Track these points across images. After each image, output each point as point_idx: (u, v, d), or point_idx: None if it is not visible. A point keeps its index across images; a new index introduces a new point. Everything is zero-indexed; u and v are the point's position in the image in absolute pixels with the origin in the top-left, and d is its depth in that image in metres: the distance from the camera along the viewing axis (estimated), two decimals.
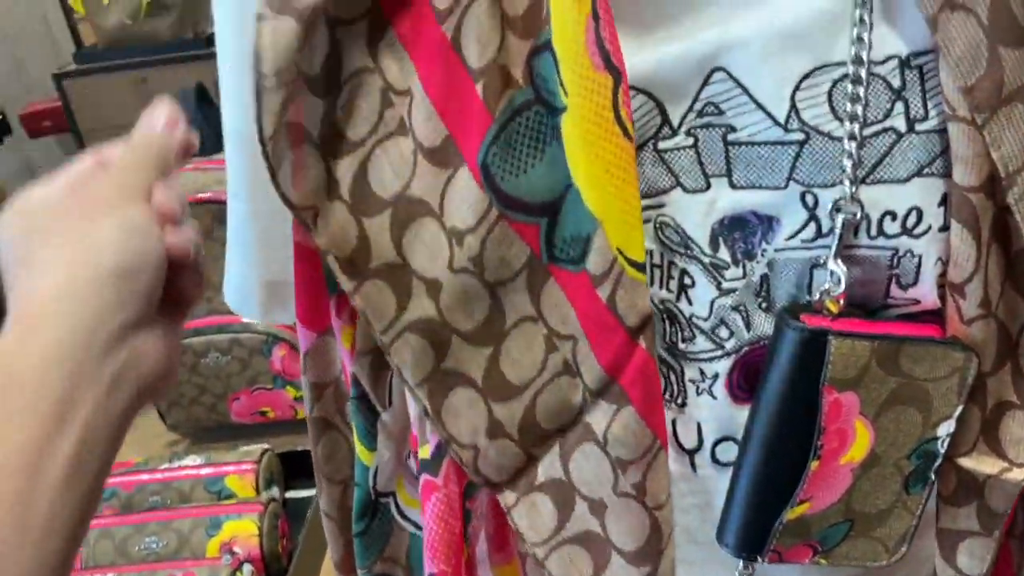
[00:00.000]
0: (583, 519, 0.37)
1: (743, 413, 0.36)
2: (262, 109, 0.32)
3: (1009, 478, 0.35)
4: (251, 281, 0.48)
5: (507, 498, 0.38)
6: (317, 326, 0.42)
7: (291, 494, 0.95)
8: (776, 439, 0.34)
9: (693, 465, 0.38)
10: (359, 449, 0.42)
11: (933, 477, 0.36)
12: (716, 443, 0.37)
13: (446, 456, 0.38)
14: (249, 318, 0.51)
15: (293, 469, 0.97)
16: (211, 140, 1.08)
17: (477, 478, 0.37)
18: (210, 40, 3.32)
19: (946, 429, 0.35)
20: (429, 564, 0.39)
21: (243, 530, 0.83)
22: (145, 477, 0.90)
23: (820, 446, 0.34)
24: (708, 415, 0.37)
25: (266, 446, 0.93)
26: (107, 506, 0.88)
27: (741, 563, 0.37)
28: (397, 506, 0.44)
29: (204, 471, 0.90)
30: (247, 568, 0.79)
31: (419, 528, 0.45)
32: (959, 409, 0.34)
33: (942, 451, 0.35)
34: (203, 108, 1.06)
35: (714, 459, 0.38)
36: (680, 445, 0.38)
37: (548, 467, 0.37)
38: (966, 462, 0.36)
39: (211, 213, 0.99)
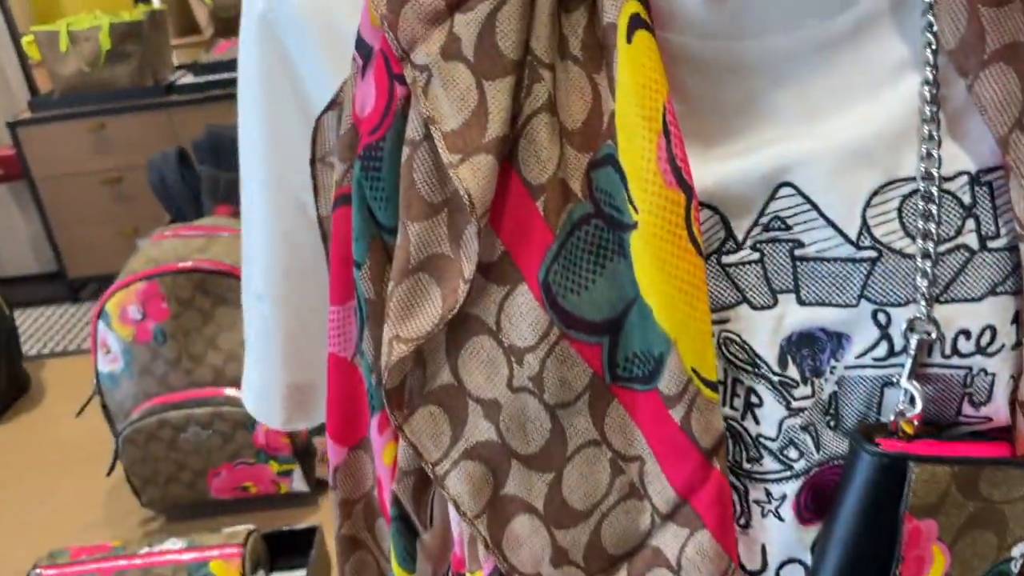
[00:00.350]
0: None
1: (810, 535, 0.35)
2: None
3: None
4: (275, 386, 0.45)
5: None
6: (349, 441, 0.40)
7: (277, 574, 0.91)
8: (852, 566, 0.33)
9: None
10: (395, 569, 0.40)
11: None
12: (781, 565, 0.36)
13: None
14: (271, 425, 0.48)
15: (278, 549, 0.93)
16: (191, 206, 1.05)
17: None
18: (170, 87, 3.27)
19: (1020, 550, 0.34)
20: None
21: None
22: (124, 563, 0.86)
23: (897, 573, 0.33)
24: (774, 537, 0.36)
25: (251, 527, 0.89)
26: None
27: None
28: None
29: (187, 556, 0.86)
30: None
31: None
32: None
33: (1015, 571, 0.34)
34: (183, 172, 1.03)
35: None
36: (743, 567, 0.36)
37: None
38: None
39: (192, 282, 0.96)
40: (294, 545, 0.93)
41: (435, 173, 0.32)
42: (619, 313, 0.32)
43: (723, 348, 0.34)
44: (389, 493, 0.38)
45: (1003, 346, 0.32)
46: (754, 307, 0.33)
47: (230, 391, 0.97)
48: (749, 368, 0.34)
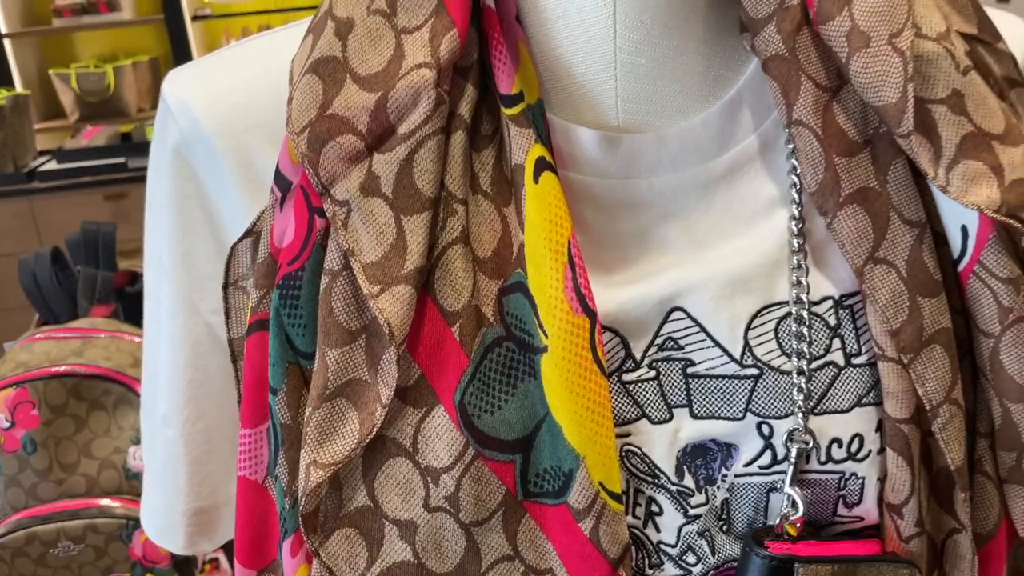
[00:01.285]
0: None
1: None
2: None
3: None
4: (178, 512, 0.44)
5: None
6: (259, 564, 0.40)
7: None
8: None
9: None
10: None
11: None
12: None
13: None
14: (173, 551, 0.47)
15: None
16: (66, 307, 1.02)
17: None
18: (32, 174, 3.15)
19: None
20: None
21: None
22: None
23: None
24: None
25: None
26: None
27: None
28: None
29: None
30: None
31: None
32: None
33: None
34: (57, 273, 1.00)
35: None
36: None
37: None
38: None
39: (66, 387, 0.92)
40: None
41: (353, 302, 0.34)
42: (530, 431, 0.34)
43: (625, 460, 0.36)
44: None
45: (870, 452, 0.36)
46: (652, 422, 0.36)
47: (104, 501, 0.92)
48: (649, 479, 0.36)
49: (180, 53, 3.82)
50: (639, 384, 0.36)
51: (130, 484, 0.94)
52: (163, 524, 0.45)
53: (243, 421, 0.37)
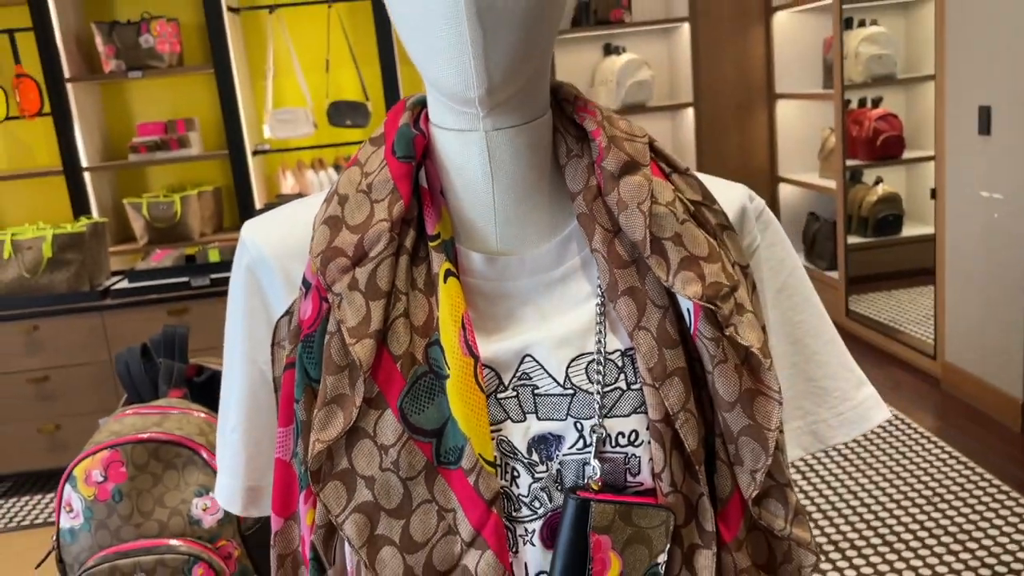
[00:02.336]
0: None
1: (549, 555, 0.61)
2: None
3: None
4: (237, 488, 0.71)
5: None
6: (285, 513, 0.66)
7: None
8: (567, 566, 0.59)
9: None
10: None
11: None
12: (537, 575, 0.62)
13: None
14: (234, 512, 0.73)
15: None
16: (150, 390, 1.30)
17: None
18: (105, 292, 3.49)
19: (662, 559, 0.61)
20: None
21: None
22: None
23: (590, 570, 0.59)
24: (532, 558, 0.62)
25: None
26: None
27: None
28: None
29: None
30: None
31: None
32: (667, 547, 0.60)
33: (662, 573, 0.61)
34: (145, 364, 1.29)
35: None
36: None
37: None
38: None
39: (148, 450, 1.19)
40: None
41: (342, 350, 0.60)
42: (441, 425, 0.60)
43: (498, 444, 0.62)
44: (308, 543, 0.63)
45: (642, 441, 0.61)
46: (514, 422, 0.62)
47: (172, 541, 1.17)
48: (512, 456, 0.62)
49: (241, 183, 4.23)
50: (506, 400, 0.62)
51: (192, 528, 1.19)
52: (228, 496, 0.72)
53: (280, 422, 0.64)
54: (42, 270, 3.46)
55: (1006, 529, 2.69)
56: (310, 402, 0.61)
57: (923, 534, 2.70)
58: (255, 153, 4.30)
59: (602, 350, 0.62)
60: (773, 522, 0.62)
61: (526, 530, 0.62)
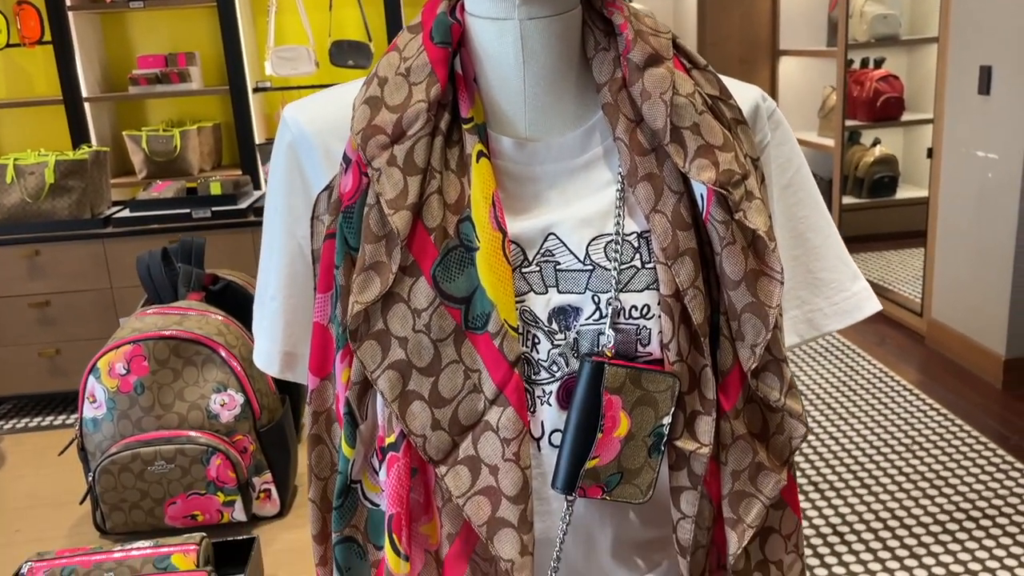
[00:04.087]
0: (486, 479, 0.66)
1: (564, 416, 0.67)
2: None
3: (702, 453, 0.67)
4: (275, 352, 0.76)
5: (441, 470, 0.66)
6: (321, 374, 0.71)
7: None
8: (580, 423, 0.65)
9: (539, 448, 0.68)
10: (344, 447, 0.69)
11: (663, 449, 0.67)
12: (552, 433, 0.68)
13: (404, 440, 0.66)
14: (272, 373, 0.78)
15: (220, 559, 1.18)
16: (170, 293, 1.35)
17: (425, 456, 0.66)
18: (106, 220, 3.52)
19: (667, 420, 0.66)
20: (389, 507, 0.66)
21: None
22: (101, 557, 1.09)
23: (602, 425, 0.65)
24: (547, 416, 0.68)
25: (203, 534, 1.14)
26: None
27: (564, 500, 0.67)
28: (362, 491, 0.71)
29: (152, 551, 1.10)
30: None
31: (375, 506, 0.72)
32: (672, 410, 0.66)
33: (666, 433, 0.67)
34: (165, 268, 1.33)
35: (551, 443, 0.68)
36: (532, 436, 0.68)
37: (466, 448, 0.66)
38: (679, 443, 0.67)
39: (169, 347, 1.24)
40: (234, 557, 1.18)
41: (380, 220, 0.65)
42: (470, 293, 0.66)
43: (521, 314, 0.67)
44: (343, 400, 0.69)
45: (654, 315, 0.66)
46: (537, 294, 0.67)
47: (192, 433, 1.23)
48: (534, 324, 0.67)
49: (241, 120, 4.23)
50: (530, 274, 0.67)
51: (210, 422, 1.24)
52: (266, 359, 0.77)
53: (319, 288, 0.69)
54: (44, 196, 3.48)
55: (982, 477, 2.79)
56: (349, 269, 0.66)
57: (900, 479, 2.80)
58: (256, 90, 4.29)
59: (620, 231, 0.67)
60: (769, 394, 0.67)
61: (544, 391, 0.67)
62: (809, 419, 3.22)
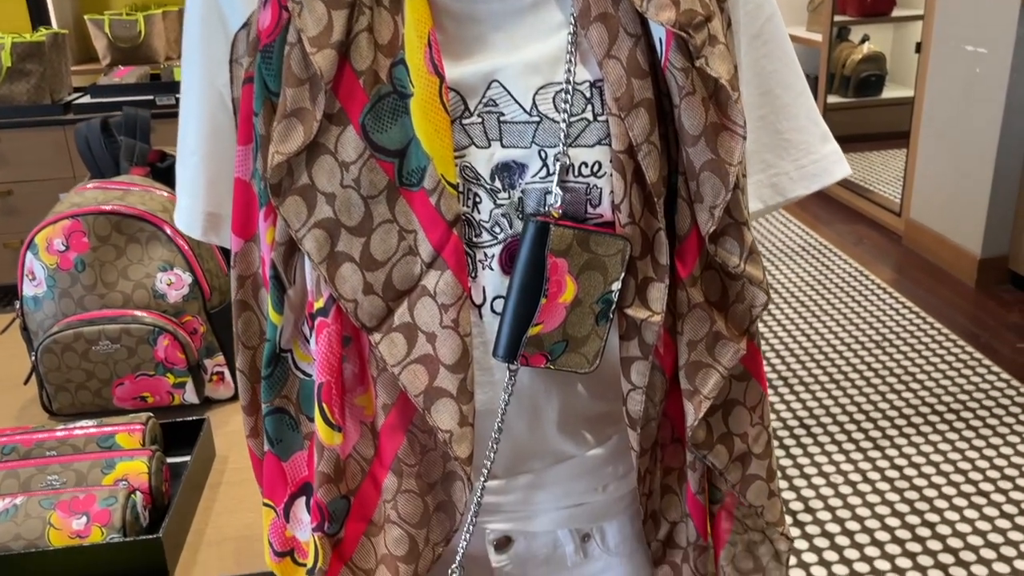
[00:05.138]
0: (423, 346, 0.61)
1: (506, 281, 0.62)
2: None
3: (653, 321, 0.63)
4: (197, 211, 0.71)
5: (375, 337, 0.62)
6: (246, 235, 0.66)
7: (169, 459, 1.12)
8: (523, 287, 0.61)
9: (480, 315, 0.64)
10: (271, 314, 0.65)
11: (612, 317, 0.63)
12: (494, 299, 0.63)
13: (334, 305, 0.61)
14: (194, 236, 0.73)
15: (170, 441, 1.15)
16: (112, 167, 1.28)
17: (356, 323, 0.61)
18: (67, 107, 3.39)
19: (616, 287, 0.62)
20: (318, 376, 0.62)
21: (134, 469, 1.00)
22: (43, 435, 1.06)
23: (546, 290, 0.61)
24: (489, 281, 0.63)
25: (150, 414, 1.11)
26: (7, 460, 1.03)
27: (507, 369, 0.63)
28: (293, 360, 0.67)
29: (95, 430, 1.07)
30: (139, 496, 0.97)
31: (307, 376, 0.67)
32: (622, 275, 0.62)
33: (615, 300, 0.62)
34: (106, 140, 1.26)
35: (492, 310, 0.64)
36: (473, 303, 0.64)
37: (401, 315, 0.62)
38: (630, 311, 0.63)
39: (111, 222, 1.18)
40: (183, 437, 1.15)
41: (302, 61, 0.59)
42: (404, 146, 0.60)
43: (461, 170, 0.62)
44: (268, 263, 0.63)
45: (605, 173, 0.61)
46: (478, 147, 0.61)
47: (137, 312, 1.19)
48: (475, 181, 0.62)
49: None
50: (471, 126, 0.61)
51: (156, 302, 1.19)
52: (188, 219, 0.71)
53: (239, 140, 0.63)
54: (2, 80, 3.33)
55: (949, 373, 2.81)
56: (269, 116, 0.60)
57: (869, 374, 2.82)
58: None
59: (571, 79, 0.61)
60: (728, 259, 0.63)
61: (485, 255, 0.63)
62: (782, 316, 3.22)
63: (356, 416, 0.66)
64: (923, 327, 3.11)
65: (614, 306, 0.62)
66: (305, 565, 0.70)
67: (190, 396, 1.23)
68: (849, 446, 2.46)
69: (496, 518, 0.73)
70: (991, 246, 3.34)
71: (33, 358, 1.19)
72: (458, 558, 0.66)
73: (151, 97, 3.37)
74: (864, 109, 5.28)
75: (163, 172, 1.34)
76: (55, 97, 3.42)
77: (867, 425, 2.55)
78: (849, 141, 5.24)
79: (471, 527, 0.66)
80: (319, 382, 0.62)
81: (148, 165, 1.31)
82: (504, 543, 0.74)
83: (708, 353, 0.65)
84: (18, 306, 1.20)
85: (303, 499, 0.69)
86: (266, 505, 0.70)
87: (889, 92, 5.25)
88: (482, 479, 0.65)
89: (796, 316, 3.23)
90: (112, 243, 1.18)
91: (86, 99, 3.45)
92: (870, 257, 3.76)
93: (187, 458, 1.09)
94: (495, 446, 0.65)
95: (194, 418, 1.15)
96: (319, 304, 0.62)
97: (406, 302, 0.61)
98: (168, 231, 1.19)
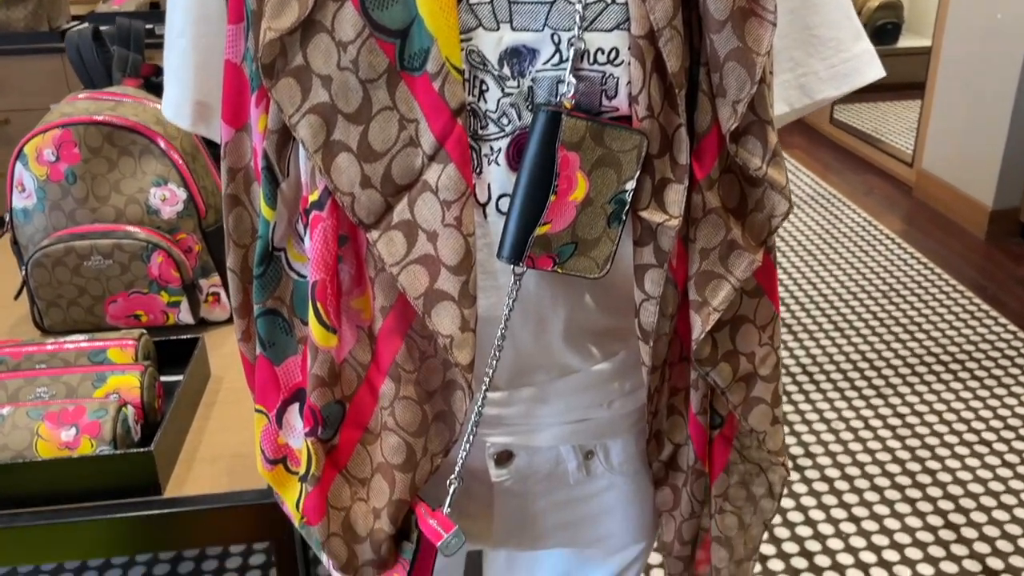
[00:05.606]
0: (423, 246, 0.58)
1: (513, 177, 0.58)
2: None
3: (670, 225, 0.59)
4: (186, 100, 0.66)
5: (373, 235, 0.58)
6: (236, 124, 0.62)
7: (163, 379, 1.10)
8: (531, 182, 0.57)
9: (485, 214, 0.60)
10: (263, 209, 0.61)
11: (624, 219, 0.59)
12: (499, 197, 0.60)
13: (329, 199, 0.58)
14: (183, 126, 0.69)
15: (163, 361, 1.12)
16: (104, 77, 1.23)
17: (353, 218, 0.57)
18: (64, 34, 3.31)
19: (631, 186, 0.58)
20: (313, 274, 0.59)
21: (126, 383, 0.97)
22: (33, 348, 1.03)
23: (556, 186, 0.57)
24: (495, 178, 0.59)
25: (143, 331, 1.08)
26: None
27: (512, 272, 0.59)
28: (287, 260, 0.64)
29: (87, 344, 1.04)
30: (130, 409, 0.94)
31: (301, 277, 0.64)
32: (637, 173, 0.58)
33: (628, 200, 0.58)
34: (97, 48, 1.21)
35: (498, 209, 0.60)
36: (478, 201, 0.60)
37: (401, 211, 0.58)
38: (645, 214, 0.59)
39: (102, 133, 1.13)
40: (177, 356, 1.12)
41: None
42: (406, 25, 0.55)
43: (467, 55, 0.57)
44: (261, 152, 0.60)
45: (623, 61, 0.57)
46: (486, 30, 0.57)
47: (130, 228, 1.15)
48: (482, 67, 0.57)
49: None
50: (479, 5, 0.57)
51: (150, 218, 1.16)
52: (176, 109, 0.67)
53: (229, 18, 0.59)
54: None
55: (956, 324, 2.78)
56: None
57: (874, 323, 2.80)
58: None
59: None
60: (749, 161, 0.59)
61: (491, 149, 0.59)
62: (788, 264, 3.18)
63: (352, 320, 0.62)
64: (931, 278, 3.08)
65: (628, 207, 0.59)
66: (297, 473, 0.67)
67: (185, 316, 1.20)
68: (852, 393, 2.44)
69: (497, 431, 0.70)
70: (1003, 198, 3.28)
71: (23, 272, 1.15)
72: (457, 469, 0.63)
73: (150, 26, 3.29)
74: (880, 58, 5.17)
75: (157, 87, 1.29)
76: (52, 24, 3.34)
77: (871, 373, 2.53)
78: (861, 91, 5.14)
79: (471, 437, 0.63)
80: (313, 280, 0.59)
81: (142, 78, 1.27)
82: (505, 458, 0.72)
83: (721, 263, 0.62)
84: (8, 219, 1.17)
85: (296, 406, 0.66)
86: (258, 411, 0.67)
87: (905, 41, 5.14)
88: (483, 388, 0.62)
89: (803, 265, 3.19)
90: (104, 155, 1.14)
91: (84, 27, 3.37)
92: (880, 207, 3.70)
93: (181, 377, 1.07)
94: (497, 354, 0.62)
95: (187, 337, 1.12)
96: (314, 197, 0.58)
97: (406, 198, 0.58)
98: (162, 144, 1.15)
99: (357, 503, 0.64)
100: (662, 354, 0.68)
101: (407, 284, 0.58)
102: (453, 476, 0.64)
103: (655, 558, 1.85)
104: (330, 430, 0.62)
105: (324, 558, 0.69)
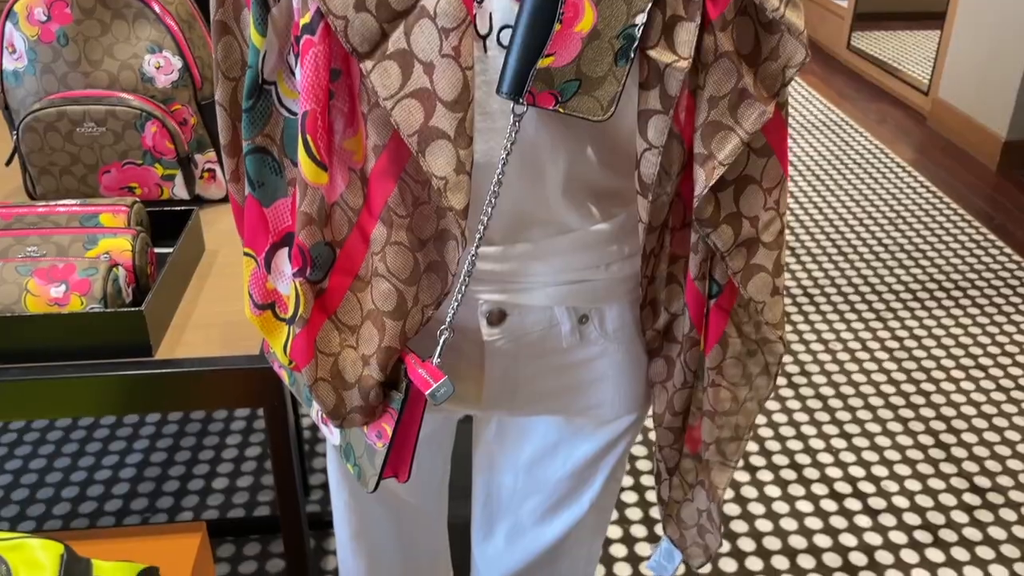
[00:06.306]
0: (419, 79, 0.55)
1: (516, 8, 0.55)
2: None
3: (678, 67, 0.56)
4: None
5: (367, 65, 0.55)
6: None
7: (156, 250, 1.08)
8: (535, 8, 0.54)
9: (485, 48, 0.57)
10: (253, 36, 0.58)
11: (632, 56, 0.56)
12: (501, 29, 0.57)
13: (321, 22, 0.55)
14: None
15: (156, 234, 1.10)
16: None
17: (347, 45, 0.54)
18: None
19: (640, 19, 0.55)
20: (303, 104, 0.57)
21: (117, 246, 0.96)
22: (23, 210, 1.01)
23: (561, 14, 0.54)
24: (497, 7, 0.56)
25: (136, 199, 1.06)
26: None
27: (511, 112, 0.57)
28: (278, 95, 0.61)
29: (79, 208, 1.02)
30: (121, 270, 0.93)
31: (292, 114, 0.62)
32: (648, 6, 0.55)
33: (638, 36, 0.56)
34: None
35: (499, 42, 0.57)
36: (478, 33, 0.57)
37: (396, 40, 0.55)
38: (653, 53, 0.57)
39: None
40: (169, 228, 1.10)
41: None
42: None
43: None
44: None
45: None
46: None
47: (124, 95, 1.12)
48: None
49: None
50: None
51: (144, 86, 1.13)
52: None
53: None
54: None
55: (960, 252, 2.76)
56: None
57: (879, 249, 2.77)
58: None
59: None
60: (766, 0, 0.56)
61: None
62: (794, 188, 3.14)
63: (344, 162, 0.60)
64: (939, 207, 3.04)
65: (636, 44, 0.56)
66: (286, 319, 0.66)
67: (180, 191, 1.18)
68: (851, 316, 2.43)
69: (490, 288, 0.69)
70: (1017, 129, 3.22)
71: (14, 137, 1.13)
72: (448, 319, 0.62)
73: None
74: None
75: None
76: None
77: (871, 297, 2.52)
78: (880, 19, 5.01)
79: (463, 288, 0.61)
80: (303, 111, 0.57)
81: None
82: (497, 317, 0.70)
83: (730, 113, 0.59)
84: None
85: (285, 250, 0.64)
86: (247, 255, 0.65)
87: None
88: (477, 239, 0.60)
89: (809, 189, 3.15)
90: (97, 17, 1.10)
91: None
92: (892, 136, 3.64)
93: (170, 249, 1.05)
94: (493, 201, 0.60)
95: (181, 208, 1.10)
96: (305, 20, 0.56)
97: (402, 25, 0.55)
98: (156, 9, 1.11)
99: (346, 350, 0.63)
100: (661, 215, 0.66)
101: (401, 120, 0.55)
102: (444, 326, 0.62)
103: (640, 449, 1.86)
104: (319, 272, 0.61)
105: (312, 410, 0.68)
